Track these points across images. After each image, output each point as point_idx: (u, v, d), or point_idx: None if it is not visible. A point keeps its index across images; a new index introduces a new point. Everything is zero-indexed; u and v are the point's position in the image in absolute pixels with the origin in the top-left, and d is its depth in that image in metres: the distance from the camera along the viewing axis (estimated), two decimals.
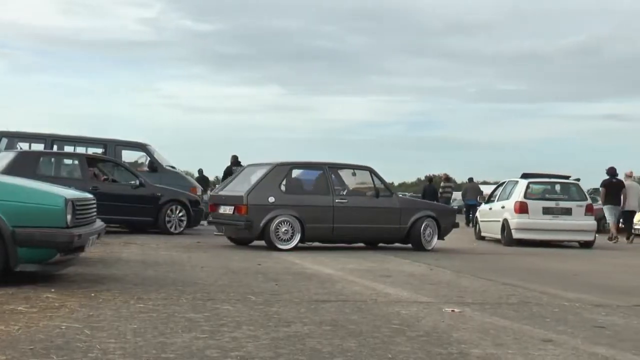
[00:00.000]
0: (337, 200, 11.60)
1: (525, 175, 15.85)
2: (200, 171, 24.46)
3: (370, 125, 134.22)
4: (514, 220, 14.76)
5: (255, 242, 11.54)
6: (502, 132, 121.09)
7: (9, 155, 13.25)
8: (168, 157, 17.61)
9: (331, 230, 11.55)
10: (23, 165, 12.37)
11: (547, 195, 15.74)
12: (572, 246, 15.24)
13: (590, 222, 15.16)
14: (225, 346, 3.98)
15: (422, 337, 4.45)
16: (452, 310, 5.54)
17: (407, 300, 6.09)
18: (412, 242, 12.14)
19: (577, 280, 8.42)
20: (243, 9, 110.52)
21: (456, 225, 13.20)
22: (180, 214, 14.16)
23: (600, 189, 17.80)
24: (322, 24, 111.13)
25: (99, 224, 6.97)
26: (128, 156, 16.99)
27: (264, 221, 11.00)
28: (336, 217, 11.52)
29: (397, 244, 12.42)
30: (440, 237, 12.45)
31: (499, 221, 15.34)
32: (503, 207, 15.40)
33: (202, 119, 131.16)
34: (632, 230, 17.74)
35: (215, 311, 5.11)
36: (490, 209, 16.31)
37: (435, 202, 16.00)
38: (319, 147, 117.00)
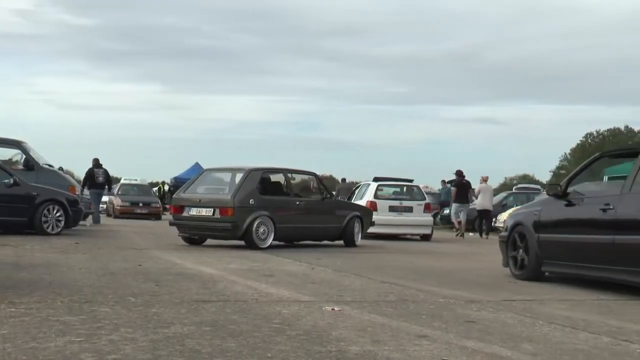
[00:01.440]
0: (297, 203, 12.95)
1: (376, 179, 18.57)
2: (60, 169, 23.72)
3: (255, 125, 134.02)
4: None
5: (131, 244, 11.32)
6: (386, 133, 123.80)
7: None
8: (45, 155, 17.01)
9: (294, 229, 12.85)
10: None
11: (393, 196, 18.71)
12: (414, 239, 18.34)
13: (428, 218, 18.43)
14: (102, 349, 3.89)
15: (301, 336, 4.50)
16: (332, 309, 5.63)
17: (288, 299, 6.14)
18: (345, 239, 13.79)
19: (452, 277, 8.73)
20: (125, 4, 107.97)
21: (373, 223, 15.15)
22: (58, 214, 13.71)
23: (452, 189, 21.11)
24: (206, 22, 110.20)
25: None
26: (2, 154, 16.29)
27: (247, 222, 11.93)
28: (297, 218, 12.84)
29: (275, 242, 12.89)
30: (362, 234, 14.23)
31: None
32: None
33: (80, 116, 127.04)
34: (491, 228, 20.55)
35: (92, 314, 4.98)
36: None
37: (358, 204, 17.13)
38: (203, 146, 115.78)
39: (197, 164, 46.99)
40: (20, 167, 15.59)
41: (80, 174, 24.24)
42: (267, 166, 13.30)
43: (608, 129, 67.61)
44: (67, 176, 17.93)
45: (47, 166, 16.25)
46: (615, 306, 6.48)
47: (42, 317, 4.78)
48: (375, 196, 17.79)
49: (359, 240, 14.01)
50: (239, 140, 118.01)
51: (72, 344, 3.98)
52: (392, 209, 17.82)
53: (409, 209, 18.03)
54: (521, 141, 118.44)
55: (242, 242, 12.41)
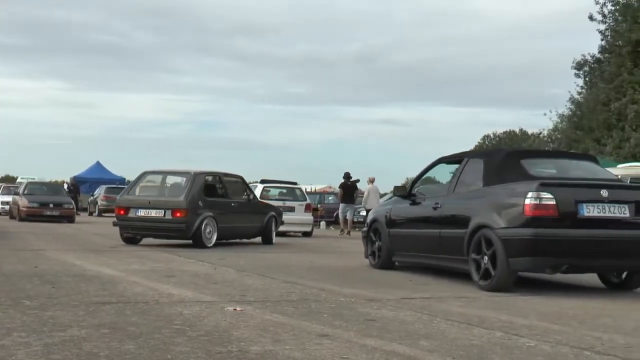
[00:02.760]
0: (232, 204, 13.74)
1: (263, 181, 20.59)
2: None
3: (159, 124, 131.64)
4: None
5: (4, 243, 10.96)
6: (289, 133, 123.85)
7: None
8: None
9: (231, 229, 13.63)
10: None
11: (277, 197, 20.22)
12: (297, 235, 19.88)
13: (309, 217, 20.36)
14: None
15: (203, 337, 4.48)
16: (234, 309, 5.63)
17: (190, 300, 6.09)
18: (264, 236, 14.86)
19: (353, 276, 8.86)
20: None
21: (283, 222, 16.13)
22: None
23: (339, 189, 22.68)
24: (108, 18, 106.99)
25: None
26: None
27: (197, 223, 12.58)
28: (234, 218, 13.60)
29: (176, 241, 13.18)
30: (276, 230, 15.40)
31: None
32: None
33: None
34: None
35: None
36: None
37: (273, 205, 17.40)
38: (103, 145, 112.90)
39: (98, 163, 45.85)
40: None
41: None
42: (207, 170, 13.93)
43: (504, 132, 69.88)
44: None
45: None
46: (507, 302, 6.74)
47: None
48: (262, 196, 18.83)
49: (274, 238, 15.12)
50: (141, 139, 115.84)
51: None
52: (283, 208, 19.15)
53: (292, 209, 19.60)
54: (422, 142, 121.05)
55: (151, 242, 12.25)
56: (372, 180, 22.04)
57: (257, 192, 18.77)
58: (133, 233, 13.16)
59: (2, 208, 29.30)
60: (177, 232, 12.69)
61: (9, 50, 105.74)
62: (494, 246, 7.43)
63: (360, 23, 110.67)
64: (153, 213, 12.70)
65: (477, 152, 11.66)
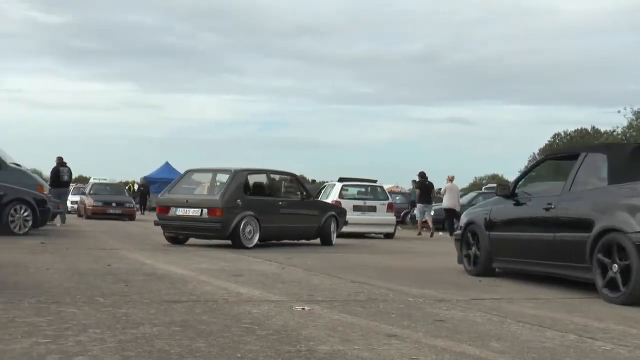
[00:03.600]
0: (279, 203, 13.27)
1: (341, 180, 19.20)
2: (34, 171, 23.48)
3: (224, 125, 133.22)
4: None
5: (101, 244, 11.25)
6: (353, 133, 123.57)
7: None
8: (13, 155, 16.79)
9: (277, 229, 13.14)
10: None
11: (357, 196, 19.21)
12: (379, 238, 18.84)
13: (391, 217, 18.98)
14: (69, 351, 3.85)
15: (272, 336, 4.50)
16: (302, 309, 5.64)
17: (259, 299, 6.14)
18: (322, 238, 14.20)
19: (422, 276, 8.78)
20: (94, 2, 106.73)
21: (347, 223, 15.41)
22: (26, 214, 13.55)
23: (416, 190, 21.40)
24: (175, 21, 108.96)
25: None
26: None
27: (235, 222, 12.14)
28: (281, 218, 13.13)
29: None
30: (338, 233, 14.65)
31: None
32: None
33: (50, 115, 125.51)
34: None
35: (60, 315, 4.94)
36: None
37: (333, 205, 17.23)
38: (173, 146, 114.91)
39: (167, 163, 46.71)
40: None
41: (48, 173, 23.97)
42: (250, 167, 13.50)
43: (576, 130, 68.30)
44: (36, 176, 17.72)
45: (14, 166, 16.04)
46: (581, 304, 6.57)
47: (8, 318, 4.72)
48: (340, 196, 18.19)
49: (334, 239, 14.39)
50: (207, 140, 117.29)
51: (39, 346, 3.94)
52: (356, 208, 18.22)
53: (373, 209, 18.59)
54: (489, 141, 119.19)
55: (219, 242, 12.41)
56: (451, 179, 21.11)
57: (336, 191, 18.35)
58: (174, 233, 12.92)
59: (72, 207, 30.52)
60: (213, 232, 12.33)
61: (83, 54, 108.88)
62: (627, 253, 6.60)
63: (423, 22, 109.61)
64: (191, 212, 12.44)
65: (597, 147, 10.22)
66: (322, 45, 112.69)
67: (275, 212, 13.07)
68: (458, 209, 20.80)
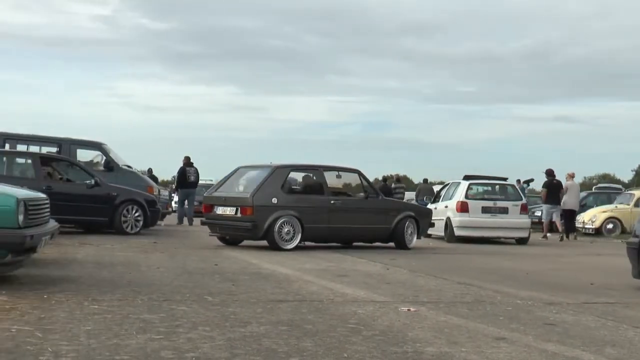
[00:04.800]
0: (332, 202, 12.08)
1: (467, 177, 17.01)
2: (149, 171, 24.29)
3: (327, 126, 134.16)
4: (456, 219, 16.06)
5: (213, 242, 11.51)
6: (458, 133, 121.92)
7: None
8: (124, 157, 17.44)
9: (327, 230, 12.02)
10: None
11: (486, 196, 17.23)
12: (509, 243, 16.37)
13: (525, 220, 16.63)
14: (181, 347, 3.96)
15: (377, 336, 4.48)
16: (408, 309, 5.59)
17: (364, 299, 6.12)
18: (396, 241, 12.77)
19: (529, 278, 8.55)
20: (200, 8, 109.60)
21: (432, 225, 13.99)
22: (137, 214, 14.02)
23: (542, 189, 19.12)
24: (278, 23, 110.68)
25: (52, 224, 6.87)
26: (83, 155, 16.74)
27: (268, 222, 11.31)
28: (331, 218, 12.01)
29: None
30: (419, 236, 13.21)
31: (442, 219, 16.29)
32: (446, 207, 16.59)
33: (157, 118, 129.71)
34: (576, 229, 18.93)
35: (171, 312, 5.08)
36: (436, 208, 16.97)
37: (415, 204, 16.72)
38: (275, 147, 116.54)
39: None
40: (101, 168, 15.99)
41: (158, 175, 24.74)
42: (297, 163, 12.82)
43: None
44: (145, 177, 18.34)
45: (126, 167, 16.65)
46: None
47: (123, 314, 4.89)
48: (467, 196, 16.37)
49: (412, 242, 12.94)
50: (311, 140, 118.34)
51: (152, 342, 4.07)
52: (485, 210, 16.32)
53: (504, 210, 16.42)
54: (599, 140, 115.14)
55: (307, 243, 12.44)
56: (572, 176, 19.06)
57: (460, 190, 16.48)
58: (218, 233, 12.20)
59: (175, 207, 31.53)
60: (245, 231, 11.56)
61: (188, 58, 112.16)
62: None
63: (530, 18, 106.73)
64: (227, 211, 11.75)
65: None
66: (426, 44, 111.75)
67: (324, 211, 11.94)
68: (577, 209, 19.26)
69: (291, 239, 11.48)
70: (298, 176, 12.82)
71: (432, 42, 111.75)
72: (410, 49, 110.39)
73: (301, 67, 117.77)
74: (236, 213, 11.54)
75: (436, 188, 28.26)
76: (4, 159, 13.96)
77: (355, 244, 12.89)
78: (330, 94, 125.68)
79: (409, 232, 12.87)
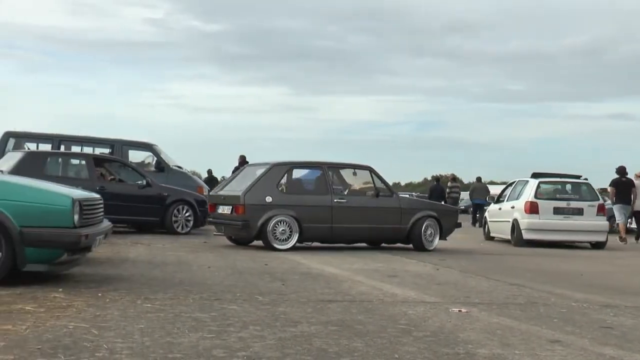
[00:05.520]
0: (335, 200, 11.56)
1: (535, 175, 15.65)
2: (209, 172, 24.56)
3: (376, 126, 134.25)
4: (524, 221, 14.61)
5: (255, 242, 11.57)
6: (506, 131, 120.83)
7: (17, 156, 13.29)
8: (175, 157, 17.65)
9: (330, 230, 11.51)
10: (30, 166, 12.41)
11: (557, 195, 15.49)
12: (583, 247, 15.12)
13: (602, 222, 15.03)
14: (232, 346, 3.98)
15: (428, 337, 4.44)
16: (459, 310, 5.53)
17: (414, 300, 6.08)
18: (413, 242, 12.04)
19: (584, 280, 8.39)
20: (249, 9, 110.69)
21: (458, 225, 13.05)
22: (187, 214, 14.18)
23: (610, 188, 17.49)
24: (326, 23, 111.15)
25: (106, 223, 6.98)
26: (135, 156, 17.00)
27: (261, 221, 10.99)
28: (335, 217, 11.49)
29: (400, 244, 12.38)
30: (442, 238, 12.35)
31: (508, 221, 15.19)
32: (513, 207, 15.26)
33: (208, 119, 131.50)
34: (634, 230, 17.77)
35: (222, 311, 5.12)
36: (500, 209, 16.12)
37: (437, 202, 16.03)
38: (325, 147, 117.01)
39: None
40: (152, 168, 16.21)
41: (205, 175, 24.93)
42: (297, 160, 12.34)
43: None
44: (195, 177, 18.52)
45: (176, 168, 16.84)
46: None
47: (175, 313, 4.95)
48: (536, 196, 14.88)
49: (433, 244, 12.08)
50: (359, 140, 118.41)
51: (204, 340, 4.10)
52: (557, 211, 14.79)
53: (579, 211, 14.86)
54: None
55: (363, 245, 12.40)
56: (639, 176, 17.36)
57: (529, 190, 15.02)
58: (224, 233, 11.84)
59: None
60: (238, 231, 11.28)
61: (238, 60, 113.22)
62: None
63: (582, 14, 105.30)
64: (225, 210, 11.52)
65: None
66: (474, 43, 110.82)
67: (326, 210, 11.41)
68: None
69: (287, 239, 11.09)
70: (300, 174, 12.25)
71: (479, 41, 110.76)
72: (456, 47, 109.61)
73: (350, 67, 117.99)
74: (231, 212, 11.34)
75: (489, 187, 27.88)
76: (60, 160, 14.25)
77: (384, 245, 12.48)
78: (379, 93, 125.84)
79: (429, 232, 12.06)
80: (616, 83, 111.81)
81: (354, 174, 12.39)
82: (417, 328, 4.75)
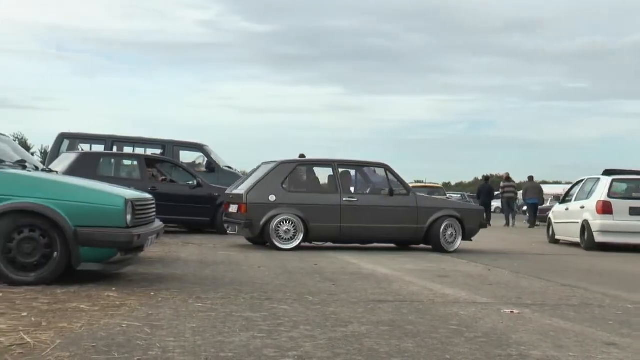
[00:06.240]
0: (345, 199, 11.33)
1: (608, 172, 14.43)
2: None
3: (430, 125, 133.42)
4: (597, 222, 13.54)
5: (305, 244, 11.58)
6: (564, 130, 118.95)
7: (71, 157, 13.57)
8: (225, 158, 17.80)
9: (338, 229, 11.26)
10: (84, 166, 12.66)
11: (634, 194, 14.12)
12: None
13: None
14: (283, 346, 3.99)
15: (480, 339, 4.39)
16: (511, 312, 5.46)
17: (465, 301, 6.02)
18: (432, 243, 11.64)
19: (639, 281, 8.21)
20: (300, 9, 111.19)
21: (484, 226, 12.59)
22: None
23: None
24: (378, 22, 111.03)
25: (157, 224, 7.08)
26: (186, 157, 17.21)
27: (263, 220, 10.88)
28: (343, 217, 11.25)
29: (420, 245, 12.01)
30: (466, 238, 11.89)
31: (577, 223, 14.17)
32: (582, 208, 14.22)
33: (259, 120, 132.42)
34: None
35: (273, 311, 5.14)
36: (567, 209, 15.14)
37: (460, 202, 15.52)
38: (377, 147, 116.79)
39: None
40: (203, 169, 16.38)
41: None
42: (306, 158, 12.10)
43: None
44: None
45: (227, 168, 16.99)
46: None
47: (226, 312, 4.98)
48: (610, 194, 13.74)
49: (455, 245, 11.60)
50: (415, 140, 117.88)
51: (255, 339, 4.12)
52: (633, 211, 13.56)
53: None
54: None
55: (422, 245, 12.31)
56: None
57: (602, 188, 13.88)
58: (236, 232, 11.61)
59: None
60: (243, 230, 11.12)
61: (289, 60, 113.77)
62: None
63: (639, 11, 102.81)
64: (234, 208, 11.37)
65: None
66: (532, 41, 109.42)
67: (335, 209, 11.18)
68: None
69: (291, 239, 10.92)
70: (303, 172, 12.04)
71: (538, 38, 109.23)
72: (515, 45, 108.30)
73: (403, 66, 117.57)
74: (237, 211, 11.22)
75: (544, 187, 27.36)
76: (112, 160, 14.52)
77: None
78: (433, 92, 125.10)
79: (449, 233, 11.58)
80: None
81: (374, 171, 12.18)
82: (468, 329, 4.70)
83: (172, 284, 6.36)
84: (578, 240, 14.18)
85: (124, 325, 4.39)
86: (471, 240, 12.12)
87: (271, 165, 11.43)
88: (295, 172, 11.57)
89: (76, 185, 6.40)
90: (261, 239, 11.16)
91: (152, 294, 5.70)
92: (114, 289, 5.86)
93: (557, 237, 15.68)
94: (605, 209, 13.56)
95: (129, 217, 6.05)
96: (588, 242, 13.68)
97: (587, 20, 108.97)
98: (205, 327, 4.42)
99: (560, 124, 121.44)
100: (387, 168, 11.86)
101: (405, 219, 11.53)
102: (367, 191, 11.73)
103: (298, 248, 10.89)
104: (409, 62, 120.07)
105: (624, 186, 14.47)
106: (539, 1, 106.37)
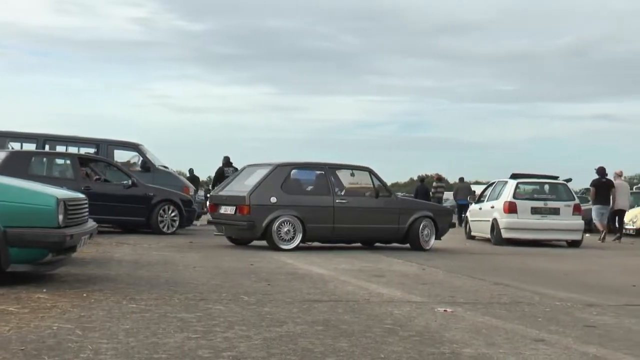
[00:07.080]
0: (337, 201, 11.67)
1: (514, 176, 16.05)
2: (190, 171, 24.46)
3: (363, 125, 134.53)
4: (503, 220, 15.03)
5: (255, 242, 11.56)
6: (494, 132, 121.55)
7: (0, 155, 13.20)
8: (160, 157, 17.59)
9: (331, 230, 11.63)
10: (15, 165, 12.32)
11: (535, 196, 16.06)
12: (559, 245, 15.36)
13: (578, 221, 15.38)
14: (218, 346, 3.97)
15: (414, 337, 4.45)
16: (445, 310, 5.55)
17: (400, 300, 6.10)
18: (411, 242, 12.23)
19: (568, 279, 8.45)
20: (236, 9, 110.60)
21: (453, 225, 13.35)
22: (173, 214, 14.14)
23: (590, 188, 17.78)
24: (314, 24, 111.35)
25: (90, 224, 6.95)
26: (120, 156, 16.95)
27: (266, 221, 11.08)
28: (336, 217, 11.60)
29: (395, 244, 12.47)
30: (438, 237, 12.53)
31: (488, 221, 15.62)
32: (492, 207, 15.70)
33: (194, 119, 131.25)
34: (623, 230, 17.92)
35: (208, 311, 5.11)
36: (480, 208, 16.55)
37: (432, 203, 16.20)
38: (311, 147, 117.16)
39: None
40: (138, 168, 16.16)
41: (200, 175, 24.89)
42: (300, 161, 12.45)
43: None
44: (181, 177, 18.48)
45: (162, 168, 16.79)
46: None
47: (160, 313, 4.93)
48: (515, 196, 15.34)
49: (429, 244, 12.27)
50: (348, 140, 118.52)
51: (190, 340, 4.09)
52: (534, 210, 15.24)
53: (555, 211, 15.29)
54: None
55: (357, 244, 12.41)
56: (619, 175, 18.02)
57: (508, 190, 15.42)
58: (225, 233, 11.87)
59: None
60: (243, 231, 11.34)
61: (225, 60, 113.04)
62: None
63: (571, 15, 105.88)
64: (229, 210, 11.54)
65: None
66: (463, 43, 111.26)
67: (329, 211, 11.53)
68: (627, 209, 18.12)
69: (291, 239, 11.18)
70: (302, 175, 12.30)
71: (468, 42, 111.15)
72: (445, 48, 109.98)
73: (337, 67, 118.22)
74: (235, 212, 11.35)
75: (474, 187, 27.96)
76: (44, 160, 14.18)
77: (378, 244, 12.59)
78: (367, 93, 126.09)
79: (425, 232, 12.25)
80: (602, 84, 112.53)
81: (352, 174, 12.56)
82: (402, 328, 4.76)
83: (105, 284, 6.26)
84: (489, 236, 15.57)
85: (54, 328, 4.30)
86: (440, 240, 12.71)
87: (267, 168, 11.68)
88: (291, 174, 11.84)
89: (6, 185, 6.23)
90: (261, 240, 11.32)
91: (85, 295, 5.60)
92: (44, 290, 5.73)
93: (472, 233, 17.16)
94: (510, 208, 15.11)
95: (61, 217, 5.93)
96: (496, 237, 15.15)
97: (514, 24, 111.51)
98: (139, 329, 4.37)
99: (490, 125, 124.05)
100: (370, 171, 12.34)
101: (389, 220, 12.09)
102: (342, 192, 12.02)
103: (232, 247, 10.82)
104: (343, 64, 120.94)
105: (527, 188, 16.34)
106: (469, 5, 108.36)
